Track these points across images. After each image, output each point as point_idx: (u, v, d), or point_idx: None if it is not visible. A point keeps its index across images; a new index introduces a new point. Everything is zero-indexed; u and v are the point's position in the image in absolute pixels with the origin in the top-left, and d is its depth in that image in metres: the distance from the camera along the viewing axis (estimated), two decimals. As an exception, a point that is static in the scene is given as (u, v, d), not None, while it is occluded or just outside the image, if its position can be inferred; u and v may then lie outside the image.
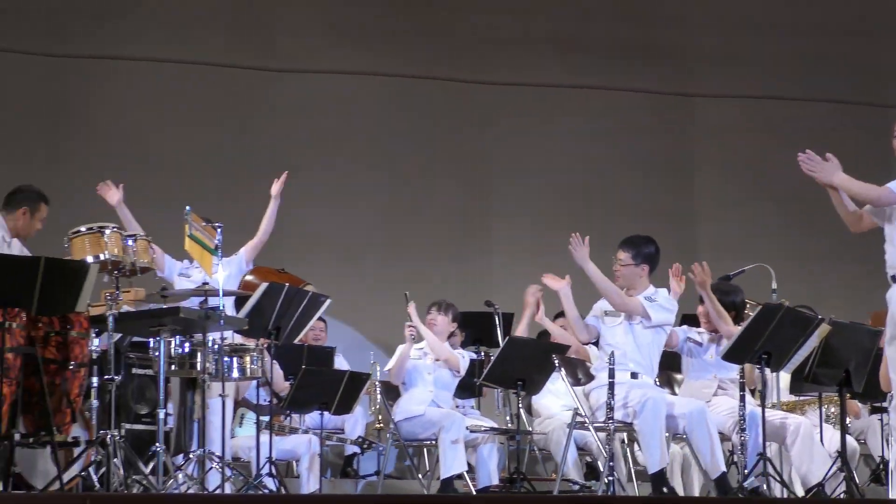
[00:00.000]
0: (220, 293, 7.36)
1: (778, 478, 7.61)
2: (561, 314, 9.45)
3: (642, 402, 7.78)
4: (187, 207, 7.75)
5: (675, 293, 8.11)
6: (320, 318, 9.63)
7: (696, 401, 7.98)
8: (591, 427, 7.88)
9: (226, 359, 7.46)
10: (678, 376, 8.79)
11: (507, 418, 9.31)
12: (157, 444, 7.20)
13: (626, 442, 8.15)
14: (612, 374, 7.71)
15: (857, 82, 12.63)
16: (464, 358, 9.05)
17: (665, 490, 7.76)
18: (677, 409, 7.87)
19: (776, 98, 12.59)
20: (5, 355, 6.42)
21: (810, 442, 7.96)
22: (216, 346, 7.42)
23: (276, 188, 8.77)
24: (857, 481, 7.75)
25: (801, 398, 8.74)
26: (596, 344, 8.45)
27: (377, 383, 9.38)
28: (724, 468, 7.75)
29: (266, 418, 8.01)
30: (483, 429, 8.80)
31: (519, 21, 12.50)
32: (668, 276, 8.32)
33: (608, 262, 8.12)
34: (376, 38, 12.24)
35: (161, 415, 7.27)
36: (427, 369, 8.92)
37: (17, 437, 6.48)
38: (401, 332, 9.04)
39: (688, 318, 8.66)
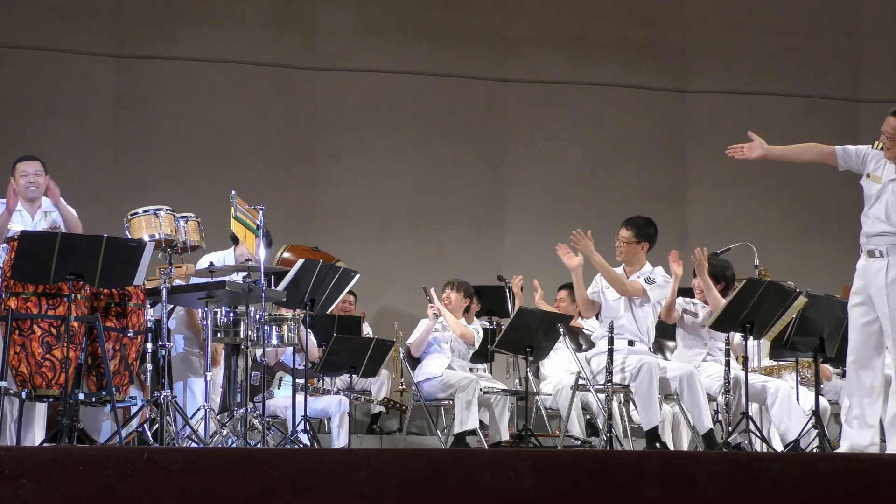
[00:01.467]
0: (262, 269, 7.37)
1: (759, 434, 7.60)
2: (565, 286, 9.47)
3: (638, 367, 7.78)
4: (233, 192, 7.76)
5: (677, 276, 8.08)
6: (350, 292, 9.66)
7: (687, 365, 7.97)
8: (592, 389, 7.88)
9: (266, 327, 7.50)
10: (670, 343, 8.78)
11: (517, 381, 9.33)
12: (205, 403, 7.25)
13: (623, 402, 8.15)
14: (611, 342, 7.72)
15: (834, 79, 12.57)
16: (478, 333, 9.07)
17: (658, 445, 7.76)
18: (669, 372, 7.87)
19: (760, 94, 12.54)
20: (71, 323, 6.45)
21: (788, 402, 7.94)
22: (257, 316, 7.45)
23: None
24: (829, 437, 7.73)
25: (780, 363, 8.72)
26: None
27: (401, 349, 9.40)
28: (710, 425, 7.74)
29: (301, 381, 8.05)
30: (496, 390, 8.83)
31: (533, 24, 12.48)
32: (666, 256, 8.30)
33: (611, 239, 8.13)
34: (406, 40, 12.23)
35: (207, 377, 7.32)
36: (445, 339, 8.97)
37: (80, 396, 6.53)
38: (422, 301, 9.07)
39: (683, 291, 8.64)
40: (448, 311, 8.92)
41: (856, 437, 6.31)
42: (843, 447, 6.41)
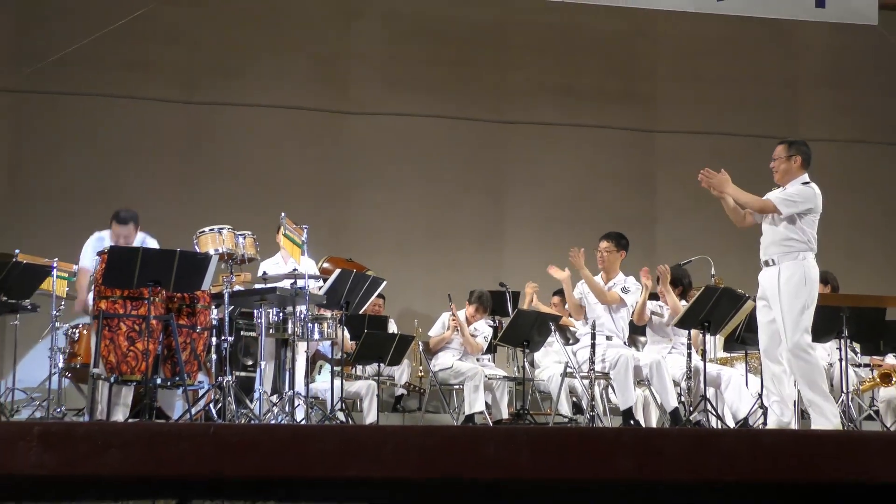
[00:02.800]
0: (306, 277, 7.40)
1: (715, 413, 7.59)
2: (557, 292, 9.47)
3: (616, 358, 7.78)
4: (282, 214, 7.77)
5: (647, 288, 8.08)
6: (380, 295, 9.66)
7: (656, 356, 7.97)
8: (577, 376, 7.87)
9: (309, 325, 7.51)
10: (641, 338, 8.77)
11: (515, 369, 9.32)
12: (259, 387, 7.25)
13: (603, 387, 8.14)
14: (593, 338, 7.73)
15: (776, 121, 12.55)
16: (485, 339, 9.07)
17: (632, 422, 7.76)
18: (642, 361, 7.87)
19: (715, 133, 12.52)
20: (150, 321, 6.47)
21: (739, 387, 7.94)
22: (302, 315, 7.46)
23: None
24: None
25: (732, 355, 8.70)
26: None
27: (420, 343, 9.40)
28: (675, 405, 7.74)
29: (338, 368, 8.05)
30: (498, 377, 8.81)
31: (527, 76, 12.49)
32: (637, 267, 8.31)
33: (592, 252, 8.17)
34: (422, 90, 12.25)
35: (262, 366, 7.32)
36: (458, 339, 8.97)
37: (158, 381, 6.55)
38: (437, 303, 9.06)
39: (651, 297, 8.62)
40: (466, 329, 8.94)
41: (779, 417, 6.28)
42: (771, 424, 6.39)
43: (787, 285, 6.16)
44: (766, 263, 6.30)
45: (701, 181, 6.38)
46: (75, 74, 11.35)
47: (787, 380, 6.29)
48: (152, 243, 7.55)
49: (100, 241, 7.52)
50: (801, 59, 12.94)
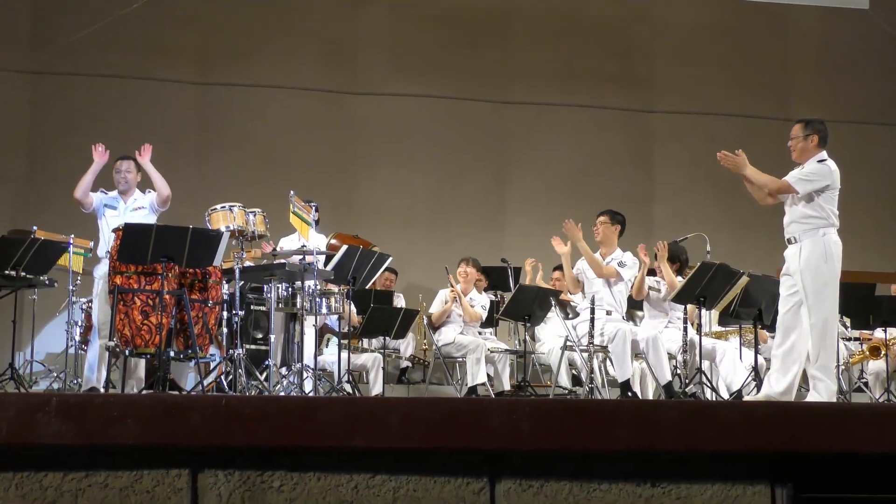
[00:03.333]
0: (315, 253, 7.38)
1: (710, 385, 7.58)
2: (557, 268, 9.45)
3: (614, 332, 7.76)
4: (291, 192, 7.74)
5: (644, 264, 8.06)
6: (392, 270, 9.62)
7: (653, 330, 7.95)
8: (577, 349, 7.87)
9: (317, 299, 7.49)
10: (639, 313, 8.75)
11: (517, 342, 9.32)
12: (269, 360, 7.25)
13: (602, 360, 8.13)
14: (592, 312, 7.71)
15: (768, 103, 12.49)
16: (484, 309, 9.05)
17: (629, 394, 7.76)
18: (639, 336, 7.84)
19: (710, 114, 12.46)
20: (164, 296, 6.46)
21: (733, 360, 7.92)
22: (311, 290, 7.44)
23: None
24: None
25: (727, 329, 8.69)
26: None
27: (424, 317, 9.39)
28: (670, 378, 7.72)
29: (345, 341, 8.04)
30: (500, 350, 8.80)
31: (529, 58, 12.42)
32: (635, 244, 8.29)
33: (591, 229, 8.15)
34: (428, 71, 12.18)
35: (271, 339, 7.31)
36: (458, 312, 8.95)
37: (171, 353, 6.55)
38: (441, 278, 9.03)
39: (648, 272, 8.61)
40: (464, 298, 8.93)
41: (773, 387, 6.17)
42: (761, 395, 6.33)
43: (807, 262, 6.14)
44: (790, 241, 6.26)
45: (720, 161, 6.33)
46: (90, 56, 11.30)
47: (797, 350, 6.21)
48: (151, 197, 7.53)
49: (102, 192, 7.58)
50: (794, 43, 12.86)
